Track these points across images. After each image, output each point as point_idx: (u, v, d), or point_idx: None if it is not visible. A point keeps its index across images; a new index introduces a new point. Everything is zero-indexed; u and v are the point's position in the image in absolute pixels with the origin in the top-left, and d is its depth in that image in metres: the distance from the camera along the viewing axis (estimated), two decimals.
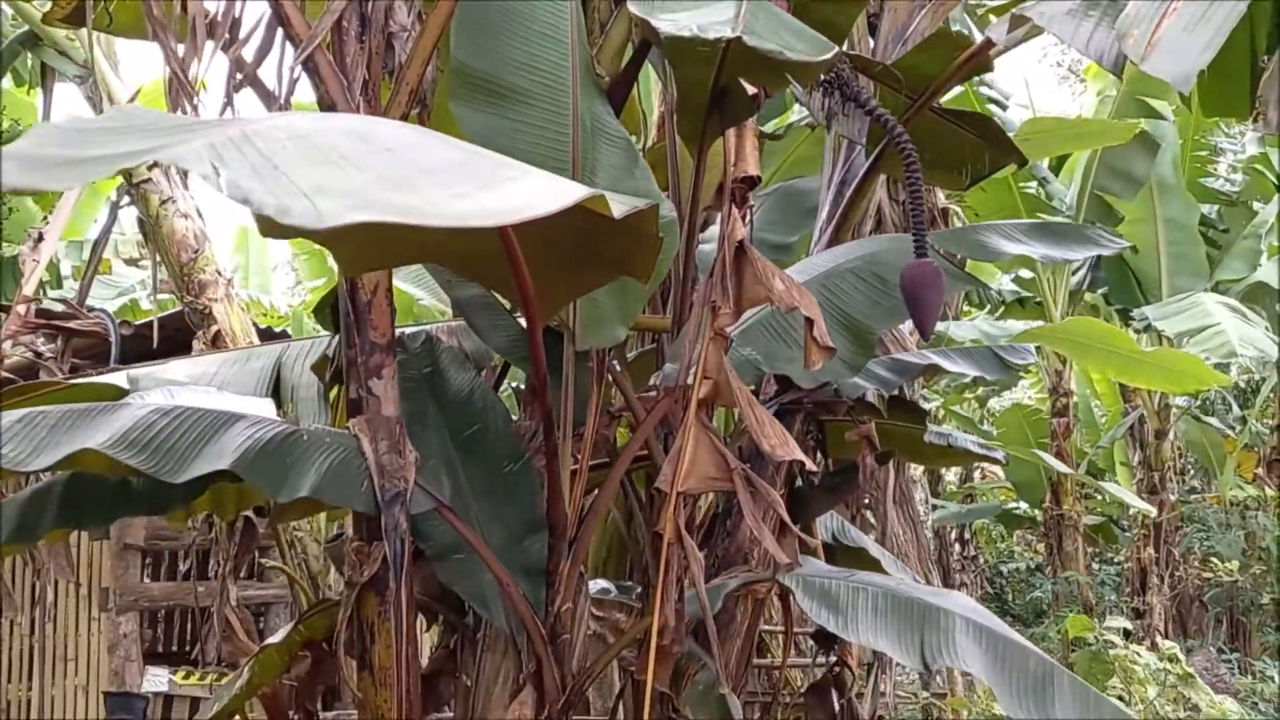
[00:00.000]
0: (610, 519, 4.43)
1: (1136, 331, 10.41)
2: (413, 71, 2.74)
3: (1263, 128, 2.40)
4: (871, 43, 4.13)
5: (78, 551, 6.71)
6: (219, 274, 6.17)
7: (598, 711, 5.04)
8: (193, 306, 6.10)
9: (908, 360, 3.82)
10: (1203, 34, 2.31)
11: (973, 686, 7.66)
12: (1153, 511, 11.89)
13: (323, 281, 12.88)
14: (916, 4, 4.02)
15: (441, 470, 2.90)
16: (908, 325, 4.29)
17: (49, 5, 5.54)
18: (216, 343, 5.87)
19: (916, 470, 12.90)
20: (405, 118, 2.68)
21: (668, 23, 2.44)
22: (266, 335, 6.59)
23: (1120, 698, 6.65)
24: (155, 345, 5.77)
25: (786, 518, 2.56)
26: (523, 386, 3.63)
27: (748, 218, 2.83)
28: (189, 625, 8.06)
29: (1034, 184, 10.54)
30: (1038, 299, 11.44)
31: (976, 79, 8.09)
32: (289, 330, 8.66)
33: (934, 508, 13.80)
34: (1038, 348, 8.00)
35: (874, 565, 3.75)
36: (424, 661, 3.16)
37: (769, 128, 6.24)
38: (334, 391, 3.36)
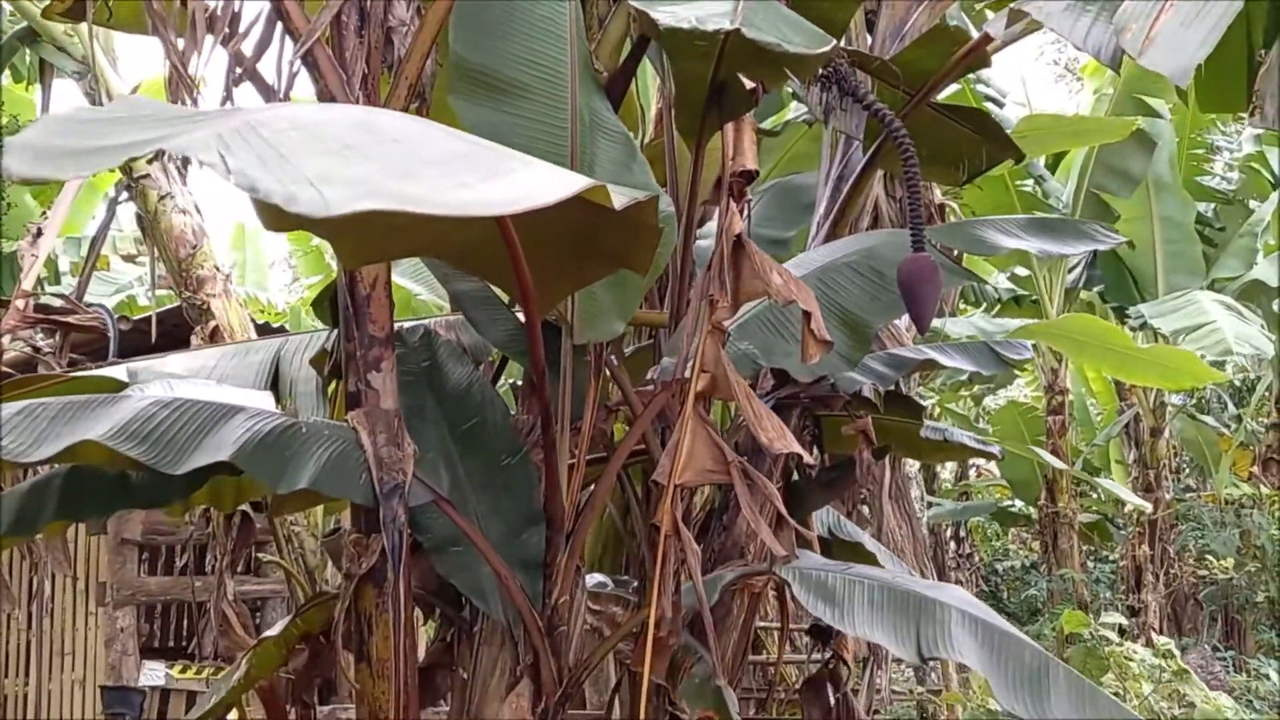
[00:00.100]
0: (607, 513, 4.45)
1: (1132, 329, 10.44)
2: (412, 66, 2.74)
3: (1259, 123, 2.41)
4: (869, 39, 4.14)
5: (75, 546, 6.71)
6: (217, 269, 6.18)
7: (593, 706, 5.06)
8: (191, 302, 6.11)
9: (904, 355, 3.83)
10: (1200, 29, 2.33)
11: (968, 683, 7.68)
12: (1148, 508, 11.93)
13: (319, 278, 12.89)
14: (914, 0, 4.03)
15: (440, 464, 2.91)
16: (904, 320, 4.30)
17: (48, 0, 5.54)
18: (214, 338, 5.88)
19: (912, 467, 12.93)
20: (404, 112, 2.69)
21: (666, 15, 2.45)
22: (264, 331, 6.60)
23: (1115, 694, 6.67)
24: (153, 340, 5.77)
25: (784, 510, 2.57)
26: (519, 383, 3.64)
27: (745, 212, 2.84)
28: (186, 620, 8.07)
29: (1030, 182, 10.57)
30: (1034, 297, 11.47)
31: (973, 77, 8.11)
32: (286, 326, 8.67)
33: (929, 505, 13.81)
34: (1034, 345, 8.03)
35: (870, 560, 3.76)
36: (420, 655, 3.17)
37: (766, 125, 6.25)
38: (332, 385, 3.36)
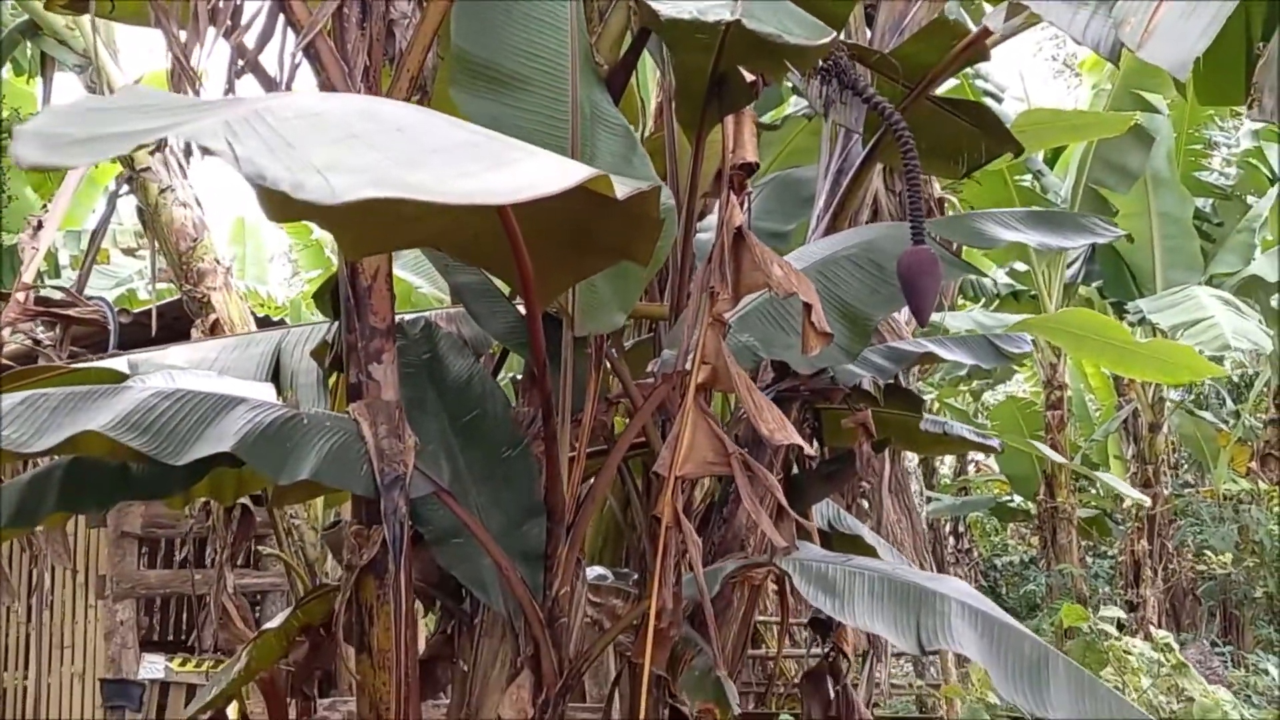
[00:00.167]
0: (607, 507, 4.46)
1: (1131, 324, 10.45)
2: (413, 58, 2.75)
3: (1258, 115, 2.42)
4: (868, 33, 4.14)
5: (75, 539, 6.72)
6: (218, 263, 6.18)
7: (593, 699, 5.07)
8: (191, 295, 6.11)
9: (904, 348, 3.84)
10: (1199, 21, 2.33)
11: (967, 677, 7.70)
12: (1147, 502, 11.95)
13: (319, 273, 12.89)
14: None
15: (440, 455, 2.91)
16: (904, 314, 4.31)
17: None
18: (215, 331, 5.89)
19: (911, 462, 12.94)
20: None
21: (667, 6, 2.46)
22: (264, 324, 6.60)
23: (1114, 688, 6.66)
24: (154, 333, 5.78)
25: (784, 502, 2.58)
26: (519, 377, 3.65)
27: (746, 204, 2.84)
28: (185, 613, 8.08)
29: (1029, 177, 10.57)
30: (1032, 292, 11.48)
31: (972, 72, 8.12)
32: (286, 320, 8.67)
33: (928, 500, 13.84)
34: (1033, 340, 8.03)
35: (869, 552, 3.78)
36: (421, 647, 3.18)
37: (766, 119, 6.25)
38: (333, 378, 3.37)
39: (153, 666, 6.43)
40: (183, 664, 6.46)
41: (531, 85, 2.86)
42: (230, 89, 2.83)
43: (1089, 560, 13.71)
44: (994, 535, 16.31)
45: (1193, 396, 13.38)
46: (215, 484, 3.31)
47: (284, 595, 6.96)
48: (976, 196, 8.37)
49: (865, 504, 5.01)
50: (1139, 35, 2.40)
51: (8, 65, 7.24)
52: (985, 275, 10.87)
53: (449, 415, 3.01)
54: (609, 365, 3.06)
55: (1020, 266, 11.53)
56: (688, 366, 2.72)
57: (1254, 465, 13.00)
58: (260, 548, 6.91)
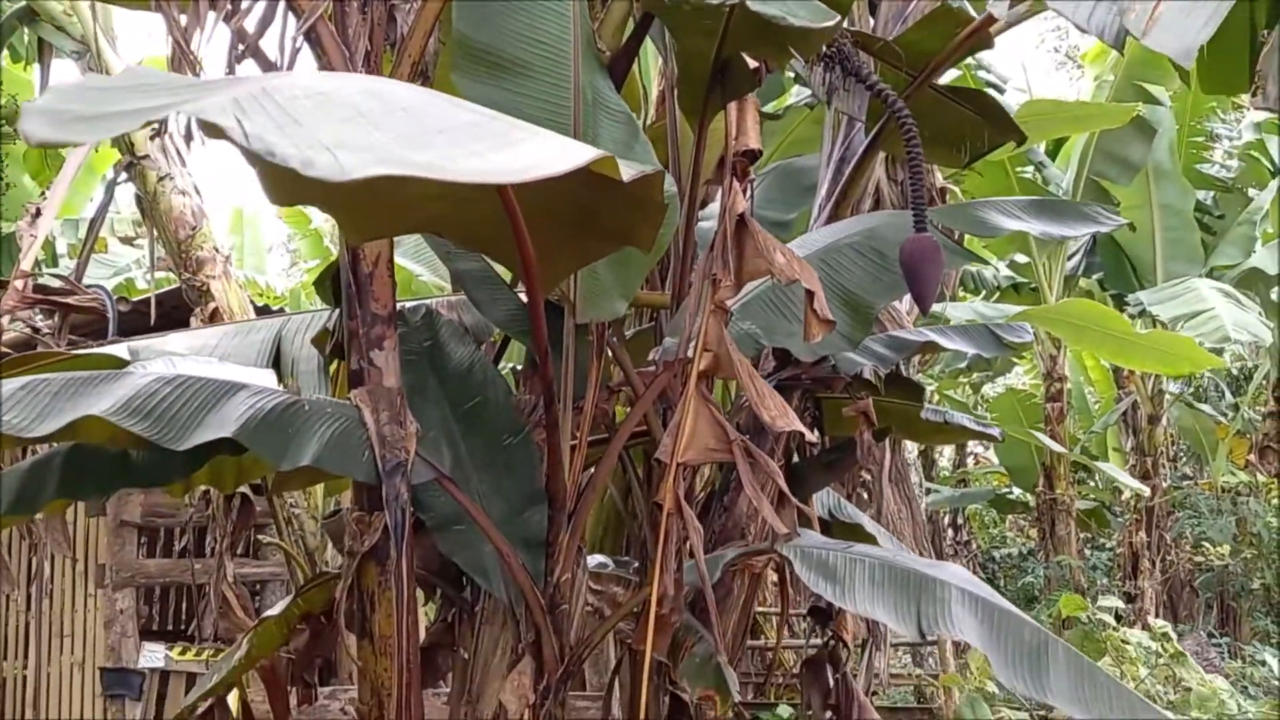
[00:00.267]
0: (607, 495, 4.46)
1: (1131, 316, 10.44)
2: (414, 43, 2.74)
3: (1261, 103, 2.41)
4: (871, 21, 4.14)
5: (74, 528, 6.71)
6: (217, 251, 6.17)
7: (593, 687, 5.08)
8: (190, 283, 6.10)
9: (905, 337, 3.84)
10: (1203, 10, 2.33)
11: (966, 667, 7.71)
12: (1146, 491, 11.96)
13: (318, 263, 12.88)
14: None
15: (442, 443, 2.91)
16: (905, 304, 4.31)
17: None
18: (214, 320, 5.88)
19: (911, 454, 12.95)
20: None
21: None
22: (264, 313, 6.59)
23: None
24: (152, 322, 5.77)
25: (785, 488, 2.58)
26: (519, 367, 3.64)
27: (748, 191, 2.84)
28: (185, 603, 8.09)
29: (1030, 169, 10.56)
30: (1033, 285, 11.47)
31: (974, 63, 8.09)
32: (286, 309, 8.66)
33: (927, 491, 13.85)
34: (1033, 333, 8.01)
35: (870, 541, 3.77)
36: (421, 636, 3.18)
37: (768, 109, 6.24)
38: (334, 365, 3.37)
39: (153, 655, 6.44)
40: (183, 653, 6.46)
41: (533, 71, 2.85)
42: (231, 73, 2.82)
43: (1087, 552, 13.72)
44: (993, 527, 16.33)
45: (1192, 389, 13.38)
46: (215, 471, 3.31)
47: (284, 584, 6.96)
48: (978, 188, 8.35)
49: (865, 494, 5.02)
50: (1144, 23, 2.39)
51: (5, 51, 7.21)
52: (987, 264, 10.86)
53: (450, 402, 3.01)
54: (610, 353, 3.06)
55: (1021, 258, 11.52)
56: (689, 354, 2.72)
57: (1252, 458, 13.02)
58: (260, 537, 6.91)
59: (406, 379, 2.79)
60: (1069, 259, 11.50)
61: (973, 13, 3.66)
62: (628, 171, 1.53)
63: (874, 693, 7.00)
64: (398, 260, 3.31)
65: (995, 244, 10.76)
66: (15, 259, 5.88)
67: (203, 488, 5.42)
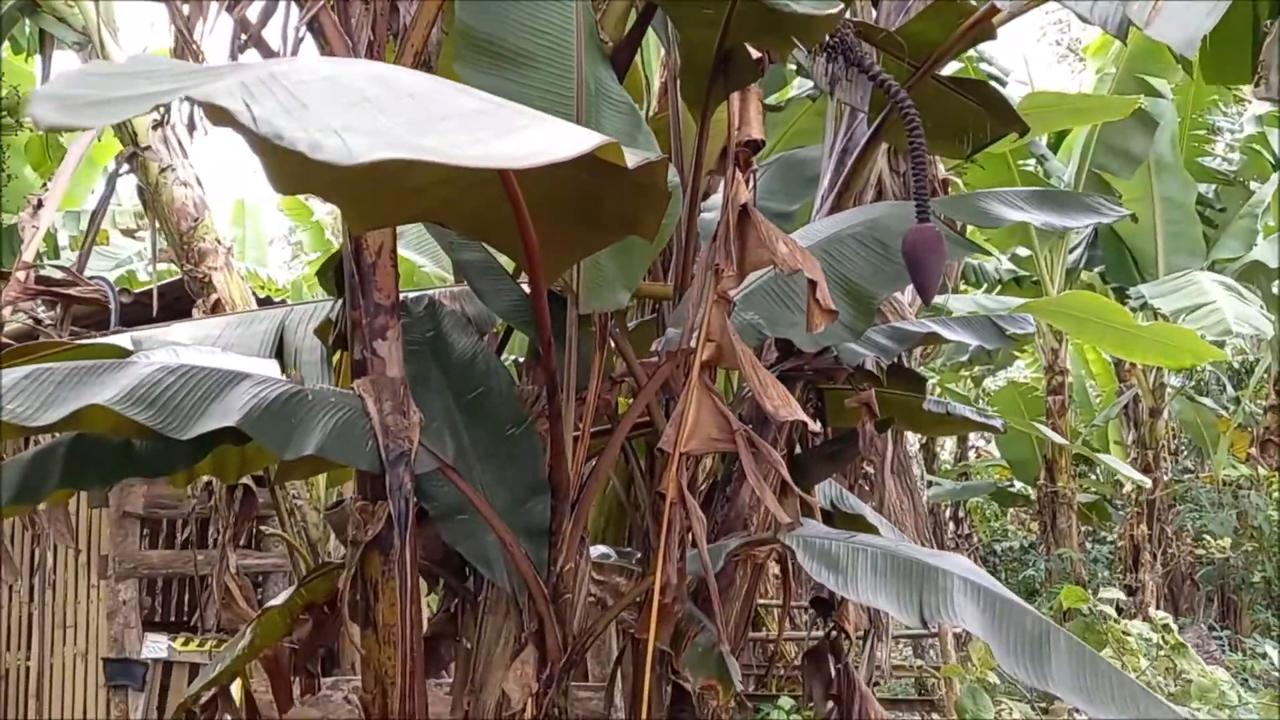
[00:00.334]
0: (610, 487, 4.46)
1: (1133, 309, 10.44)
2: (417, 33, 2.74)
3: (1264, 93, 2.41)
4: (874, 11, 4.13)
5: (77, 519, 6.72)
6: (219, 242, 6.17)
7: (595, 678, 5.09)
8: (192, 275, 6.11)
9: (907, 328, 3.84)
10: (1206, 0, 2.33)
11: (968, 659, 7.72)
12: (1147, 483, 11.96)
13: (318, 255, 12.88)
14: None
15: (445, 433, 2.92)
16: (907, 295, 4.31)
17: None
18: (216, 311, 5.88)
19: (912, 447, 12.95)
20: None
21: None
22: (266, 305, 6.59)
23: None
24: (154, 313, 5.78)
25: (788, 478, 2.59)
26: (521, 360, 3.65)
27: (751, 182, 2.83)
28: (187, 594, 8.10)
29: (1032, 162, 10.55)
30: (1034, 278, 11.46)
31: (976, 56, 8.09)
32: (288, 301, 8.65)
33: (928, 485, 13.86)
34: (1034, 326, 8.00)
35: (872, 532, 3.78)
36: (424, 626, 3.19)
37: (770, 101, 6.24)
38: (337, 356, 3.37)
39: (155, 646, 6.45)
40: (185, 644, 6.47)
41: (536, 61, 2.85)
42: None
43: (1088, 545, 13.74)
44: (994, 521, 16.35)
45: (1193, 383, 13.39)
46: (218, 462, 3.31)
47: (286, 576, 6.97)
48: (980, 180, 8.36)
49: (867, 486, 5.02)
50: (1147, 13, 2.40)
51: (6, 43, 7.20)
52: (990, 254, 10.85)
53: (453, 393, 3.01)
54: (613, 344, 3.06)
55: (1022, 251, 11.51)
56: (692, 344, 2.72)
57: (1254, 451, 13.02)
58: (262, 528, 6.92)
59: (409, 369, 2.80)
60: (1070, 252, 11.49)
61: (975, 3, 3.66)
62: (632, 158, 1.53)
63: (876, 683, 7.01)
64: (400, 252, 3.31)
65: (997, 237, 10.76)
66: (17, 250, 5.88)
67: (205, 479, 5.44)
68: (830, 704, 3.78)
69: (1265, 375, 12.41)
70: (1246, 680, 9.13)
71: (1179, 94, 10.73)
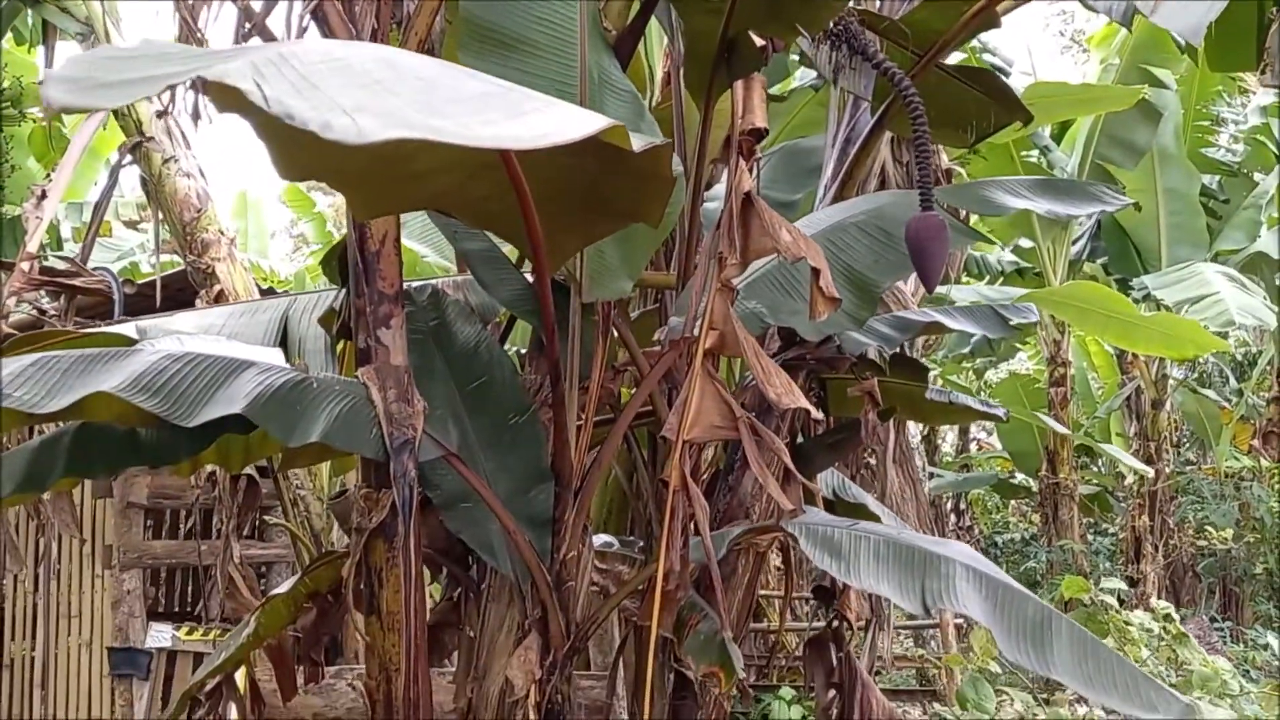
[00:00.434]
0: (612, 476, 4.48)
1: (1136, 301, 10.44)
2: (421, 22, 2.74)
3: (1269, 80, 2.41)
4: (878, 0, 4.12)
5: (81, 510, 6.74)
6: (222, 233, 6.18)
7: (598, 667, 5.10)
8: (195, 266, 6.11)
9: (910, 318, 3.84)
10: None
11: (969, 649, 7.74)
12: (1149, 472, 11.96)
13: (319, 247, 12.89)
14: None
15: (448, 421, 2.93)
16: (909, 285, 4.31)
17: None
18: (219, 302, 5.89)
19: (914, 439, 12.96)
20: None
21: None
22: (269, 295, 6.59)
23: None
24: (158, 305, 5.78)
25: (791, 465, 2.59)
26: (524, 351, 3.66)
27: (755, 170, 2.84)
28: (191, 584, 8.13)
29: (1035, 153, 10.53)
30: (1036, 270, 11.45)
31: (980, 46, 8.07)
32: (290, 292, 8.65)
33: (930, 476, 13.87)
34: (1037, 318, 7.99)
35: (874, 520, 3.79)
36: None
37: (772, 91, 6.23)
38: (340, 345, 3.38)
39: (160, 636, 6.47)
40: (189, 633, 6.49)
41: (539, 50, 2.86)
42: None
43: (1090, 537, 13.74)
44: (995, 512, 16.36)
45: (1196, 374, 13.38)
46: (223, 451, 3.33)
47: (289, 566, 6.99)
48: (982, 171, 8.33)
49: (869, 475, 5.03)
50: (1152, 1, 2.39)
51: (9, 33, 7.20)
52: (993, 242, 10.83)
53: (456, 381, 3.02)
54: (616, 332, 3.06)
55: (1025, 243, 11.50)
56: (695, 332, 2.73)
57: (1256, 443, 13.01)
58: (266, 518, 6.94)
59: (413, 358, 2.81)
60: (1073, 243, 11.48)
61: None
62: (638, 142, 1.54)
63: (877, 673, 7.04)
64: (403, 241, 3.32)
65: (999, 228, 10.75)
66: (20, 241, 5.89)
67: (209, 469, 5.45)
68: (832, 692, 3.79)
69: (1268, 367, 12.39)
70: (1248, 671, 9.14)
71: (1183, 85, 10.71)
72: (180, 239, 6.15)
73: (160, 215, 6.15)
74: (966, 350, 12.18)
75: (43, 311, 5.47)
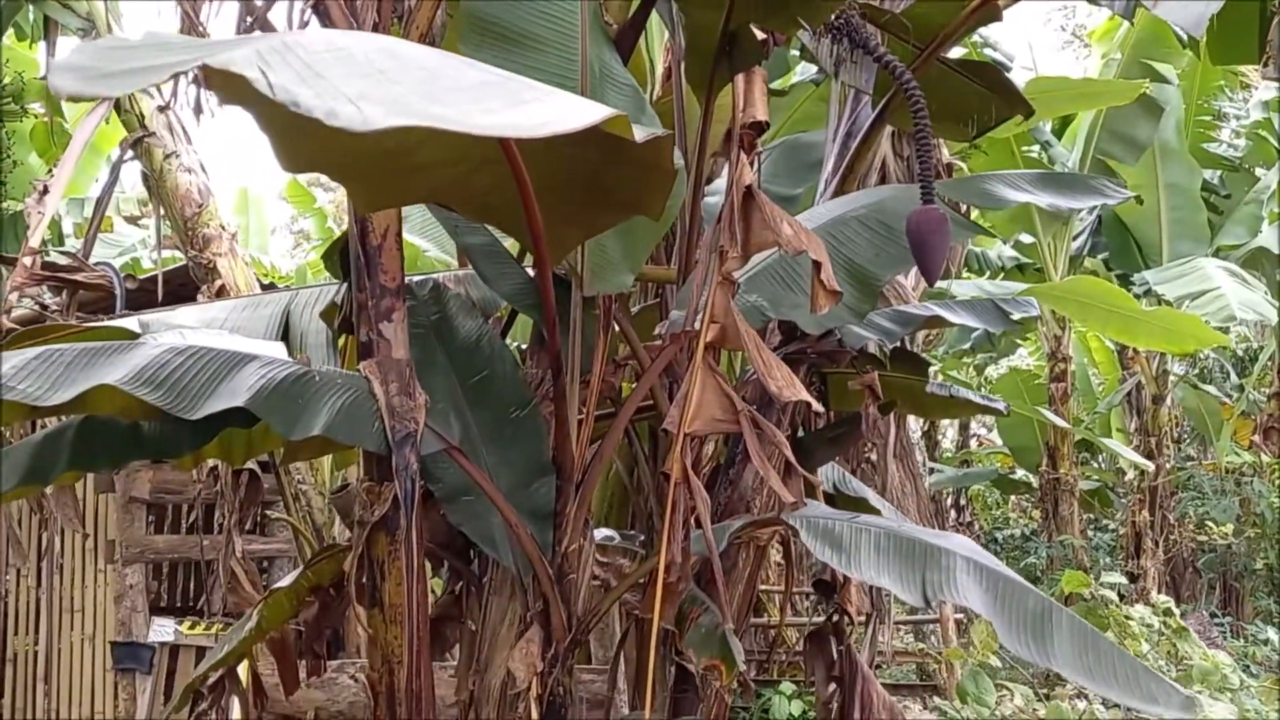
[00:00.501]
0: (613, 470, 4.48)
1: (1137, 296, 10.43)
2: (422, 15, 2.75)
3: (1272, 73, 2.41)
4: None
5: (84, 504, 6.76)
6: (223, 229, 6.19)
7: (598, 660, 5.12)
8: (197, 261, 6.12)
9: (910, 311, 3.85)
10: None
11: (969, 645, 7.76)
12: (1150, 466, 11.96)
13: (320, 243, 12.89)
14: None
15: (450, 415, 2.93)
16: (910, 279, 4.31)
17: None
18: (220, 297, 5.90)
19: (914, 434, 12.97)
20: None
21: None
22: (270, 290, 6.60)
23: None
24: (159, 299, 5.80)
25: (792, 458, 2.60)
26: (524, 346, 3.66)
27: (756, 164, 2.84)
28: (193, 579, 8.14)
29: (1036, 148, 10.52)
30: (1037, 265, 11.44)
31: (980, 41, 8.07)
32: (291, 287, 8.66)
33: (930, 471, 13.88)
34: (1037, 314, 7.99)
35: (875, 514, 3.79)
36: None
37: (773, 86, 6.23)
38: (342, 339, 3.38)
39: (162, 630, 6.49)
40: (192, 628, 6.51)
41: (541, 43, 2.86)
42: None
43: (1090, 533, 13.75)
44: (995, 508, 16.37)
45: (1197, 370, 13.37)
46: (225, 445, 3.33)
47: (291, 560, 7.00)
48: (983, 167, 8.32)
49: (870, 469, 5.04)
50: None
51: (10, 29, 7.20)
52: (994, 236, 10.81)
53: (458, 375, 3.03)
54: (617, 326, 3.07)
55: (1026, 238, 11.49)
56: (696, 326, 2.73)
57: (1256, 438, 13.01)
58: (268, 513, 6.96)
59: (415, 352, 2.81)
60: (1074, 239, 11.47)
61: None
62: (640, 132, 1.54)
63: (878, 667, 7.05)
64: (405, 236, 3.33)
65: (1000, 223, 10.74)
66: (22, 237, 5.89)
67: (211, 464, 5.46)
68: (832, 686, 3.80)
69: (1269, 362, 12.40)
70: (1248, 666, 9.15)
71: (1184, 80, 10.69)
72: (181, 234, 6.16)
73: (162, 210, 6.16)
74: (967, 346, 12.18)
75: (45, 307, 5.48)
